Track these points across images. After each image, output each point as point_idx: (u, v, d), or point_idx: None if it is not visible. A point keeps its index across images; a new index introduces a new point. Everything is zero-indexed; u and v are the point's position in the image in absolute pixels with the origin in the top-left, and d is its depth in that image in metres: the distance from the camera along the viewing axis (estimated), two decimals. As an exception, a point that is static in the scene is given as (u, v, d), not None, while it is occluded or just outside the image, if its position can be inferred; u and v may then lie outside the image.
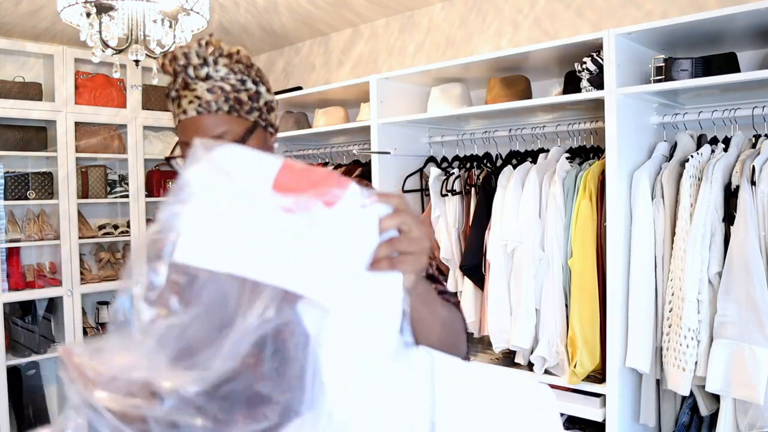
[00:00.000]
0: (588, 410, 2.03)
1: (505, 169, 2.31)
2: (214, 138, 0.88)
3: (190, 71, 0.92)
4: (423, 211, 2.69)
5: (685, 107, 2.14)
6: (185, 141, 0.91)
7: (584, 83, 2.08)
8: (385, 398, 0.67)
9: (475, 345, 2.50)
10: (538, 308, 2.13)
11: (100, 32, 2.05)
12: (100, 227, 3.62)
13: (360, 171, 2.93)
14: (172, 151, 0.96)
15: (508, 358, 2.29)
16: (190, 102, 0.91)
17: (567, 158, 2.21)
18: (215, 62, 0.92)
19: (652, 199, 1.94)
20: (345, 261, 0.63)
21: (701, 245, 1.79)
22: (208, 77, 0.92)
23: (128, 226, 3.65)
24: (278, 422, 0.65)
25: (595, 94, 2.01)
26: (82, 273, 3.45)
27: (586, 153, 2.31)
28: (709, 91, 2.05)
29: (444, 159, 2.73)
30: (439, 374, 0.72)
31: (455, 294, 1.06)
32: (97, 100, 3.50)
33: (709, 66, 1.87)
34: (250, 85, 0.95)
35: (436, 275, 1.02)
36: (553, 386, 2.13)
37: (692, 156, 1.89)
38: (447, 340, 0.88)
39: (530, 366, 2.17)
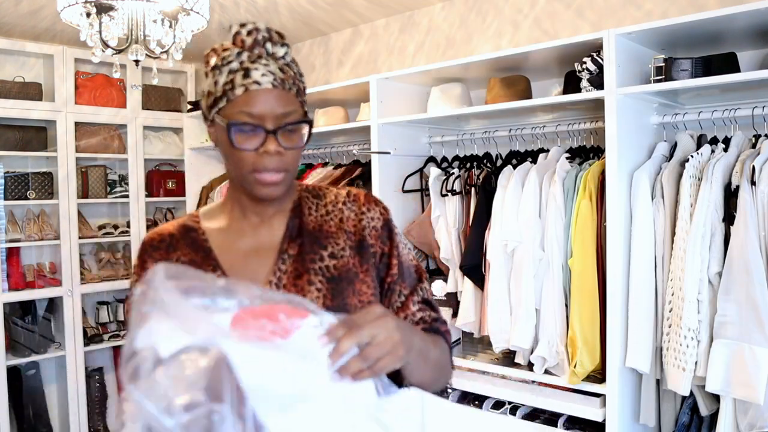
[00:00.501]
0: (588, 410, 2.03)
1: (505, 169, 2.31)
2: (283, 114, 0.92)
3: (269, 46, 0.93)
4: (423, 211, 2.69)
5: (685, 107, 2.14)
6: (251, 111, 0.91)
7: (584, 83, 2.08)
8: None
9: (475, 345, 2.50)
10: (538, 308, 2.13)
11: (100, 32, 2.05)
12: (100, 227, 3.62)
13: (360, 171, 2.94)
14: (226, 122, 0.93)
15: (508, 358, 2.29)
16: (264, 75, 0.91)
17: (567, 158, 2.21)
18: (288, 45, 0.96)
19: (652, 199, 1.94)
20: (308, 375, 0.72)
21: (701, 245, 1.79)
22: (281, 58, 0.94)
23: (128, 226, 3.65)
24: None
25: (595, 94, 2.01)
26: (82, 273, 3.45)
27: (586, 153, 2.31)
28: (709, 91, 2.05)
29: (444, 159, 2.73)
30: (429, 416, 0.83)
31: (444, 321, 1.10)
32: (97, 100, 3.50)
33: (709, 66, 1.87)
34: (303, 80, 0.99)
35: (429, 300, 1.08)
36: (553, 386, 2.13)
37: (692, 156, 1.89)
38: (437, 376, 1.00)
39: (530, 366, 2.17)
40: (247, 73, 0.91)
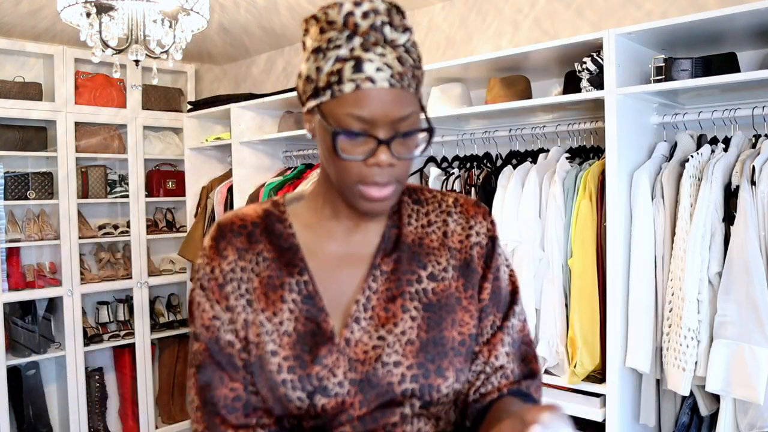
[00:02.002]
0: (588, 410, 2.03)
1: (505, 169, 2.31)
2: (400, 119, 0.76)
3: (388, 31, 0.76)
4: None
5: (685, 107, 2.14)
6: (360, 115, 0.75)
7: (584, 83, 2.08)
8: None
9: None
10: (538, 308, 2.13)
11: (100, 32, 2.05)
12: (100, 227, 3.62)
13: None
14: (330, 124, 0.78)
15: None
16: (380, 69, 0.74)
17: (567, 158, 2.21)
18: (409, 29, 0.78)
19: (652, 199, 1.94)
20: None
21: (701, 245, 1.79)
22: (400, 45, 0.77)
23: (128, 226, 3.65)
24: None
25: (595, 94, 2.01)
26: (82, 273, 3.45)
27: (586, 153, 2.31)
28: (709, 91, 2.05)
29: (444, 159, 2.73)
30: None
31: (537, 370, 0.93)
32: (97, 100, 3.50)
33: (709, 66, 1.87)
34: (422, 64, 0.81)
35: (521, 341, 0.92)
36: (553, 386, 2.13)
37: (692, 156, 1.89)
38: None
39: (530, 366, 2.16)
40: (358, 66, 0.74)
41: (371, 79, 0.74)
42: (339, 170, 0.79)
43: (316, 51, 0.77)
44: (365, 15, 0.75)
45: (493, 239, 0.92)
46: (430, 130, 0.79)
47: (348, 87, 0.75)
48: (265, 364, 0.82)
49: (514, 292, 0.93)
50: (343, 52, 0.75)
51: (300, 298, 0.85)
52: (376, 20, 0.75)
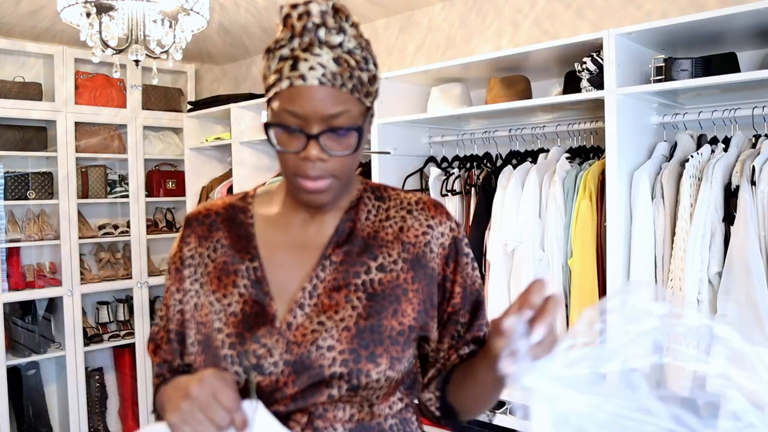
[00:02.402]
0: (588, 410, 2.03)
1: (505, 169, 2.31)
2: (329, 116, 0.80)
3: (322, 33, 0.80)
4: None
5: (685, 107, 2.14)
6: (293, 110, 0.80)
7: (584, 83, 2.08)
8: None
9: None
10: (538, 308, 2.12)
11: (100, 32, 2.05)
12: (100, 227, 3.62)
13: (360, 171, 2.94)
14: (268, 118, 0.85)
15: (508, 358, 2.29)
16: (312, 68, 0.79)
17: (567, 158, 2.21)
18: (345, 31, 0.81)
19: (652, 199, 1.94)
20: None
21: (701, 245, 1.79)
22: (338, 46, 0.80)
23: (128, 226, 3.65)
24: None
25: (595, 94, 2.01)
26: (82, 273, 3.45)
27: (586, 153, 2.31)
28: (709, 91, 2.05)
29: (444, 159, 2.73)
30: None
31: None
32: (97, 100, 3.50)
33: (709, 66, 1.87)
34: (371, 65, 0.84)
35: (483, 338, 0.97)
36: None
37: (692, 156, 1.89)
38: (489, 401, 0.93)
39: (530, 366, 2.16)
40: (294, 64, 0.79)
41: (303, 77, 0.79)
42: (281, 162, 0.86)
43: (268, 51, 0.84)
44: (299, 17, 0.80)
45: (456, 240, 0.94)
46: (358, 129, 0.82)
47: (284, 84, 0.80)
48: (211, 341, 0.89)
49: (481, 294, 0.97)
50: (285, 51, 0.81)
51: (249, 282, 0.91)
52: (308, 22, 0.80)
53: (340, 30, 0.81)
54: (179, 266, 0.96)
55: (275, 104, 0.82)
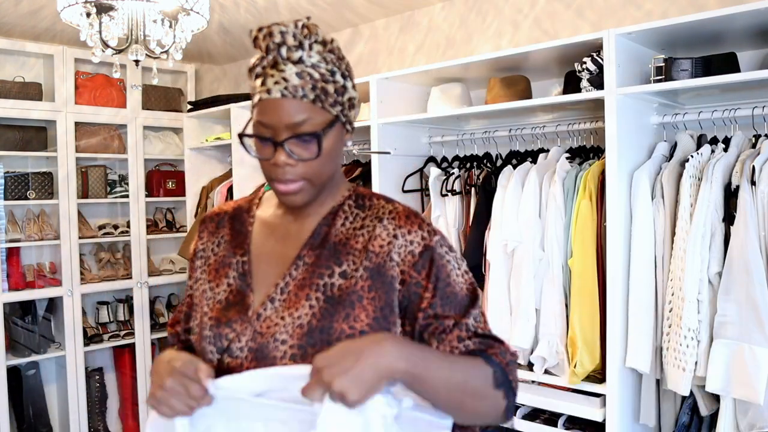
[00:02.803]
0: (588, 410, 2.03)
1: (505, 169, 2.31)
2: (294, 124, 0.89)
3: (283, 51, 0.89)
4: (423, 211, 2.69)
5: (685, 107, 2.14)
6: (262, 121, 0.90)
7: (584, 83, 2.08)
8: None
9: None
10: (538, 308, 2.13)
11: (100, 32, 2.05)
12: (100, 227, 3.62)
13: (360, 171, 2.94)
14: (245, 128, 0.94)
15: (508, 358, 2.29)
16: (276, 83, 0.88)
17: (567, 158, 2.21)
18: (310, 47, 0.90)
19: (652, 199, 1.94)
20: None
21: (701, 245, 1.79)
22: (299, 61, 0.89)
23: (128, 226, 3.65)
24: None
25: (595, 94, 2.01)
26: (82, 273, 3.45)
27: (586, 153, 2.31)
28: (709, 91, 2.05)
29: (444, 159, 2.73)
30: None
31: (497, 344, 0.96)
32: (97, 100, 3.50)
33: (709, 66, 1.87)
34: (338, 77, 0.92)
35: (481, 331, 0.96)
36: (553, 386, 2.13)
37: (692, 156, 1.89)
38: (463, 402, 0.89)
39: (530, 366, 2.17)
40: (263, 81, 0.90)
41: (269, 91, 0.89)
42: (261, 168, 0.95)
43: (249, 71, 0.94)
44: (264, 38, 0.90)
45: (428, 248, 0.96)
46: (317, 136, 0.90)
47: (256, 98, 0.92)
48: (200, 322, 1.03)
49: (471, 299, 0.97)
50: (258, 70, 0.92)
51: (237, 274, 1.02)
52: (270, 42, 0.89)
53: (300, 46, 0.89)
54: (194, 258, 1.10)
55: (253, 117, 0.93)
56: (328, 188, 1.00)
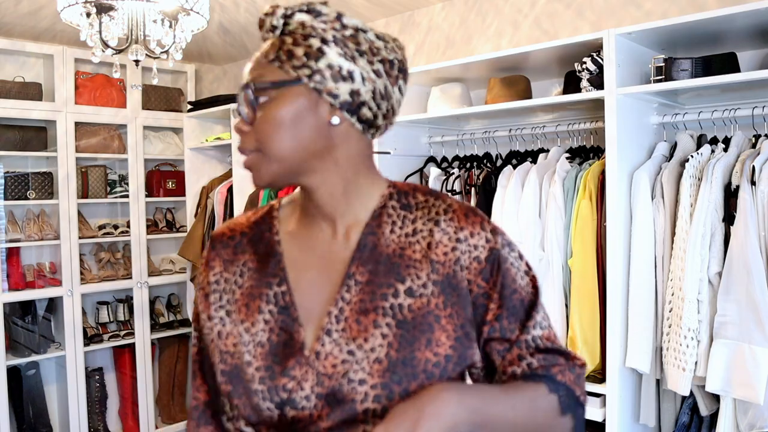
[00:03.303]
0: (588, 410, 2.01)
1: (505, 169, 2.32)
2: (245, 84, 0.83)
3: (268, 22, 0.84)
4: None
5: (685, 107, 2.14)
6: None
7: (584, 83, 2.08)
8: None
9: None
10: (538, 308, 2.12)
11: (100, 32, 2.05)
12: (100, 227, 3.62)
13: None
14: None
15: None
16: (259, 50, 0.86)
17: (567, 158, 2.21)
18: (293, 15, 0.82)
19: (652, 199, 1.94)
20: None
21: (701, 245, 1.79)
22: (274, 28, 0.83)
23: (128, 226, 3.65)
24: None
25: (595, 94, 2.01)
26: (82, 273, 3.45)
27: (586, 153, 2.31)
28: (709, 91, 2.05)
29: (444, 159, 2.73)
30: None
31: (561, 356, 0.86)
32: (97, 100, 3.50)
33: (709, 66, 1.87)
34: (314, 41, 0.80)
35: (542, 345, 0.86)
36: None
37: (692, 156, 1.89)
38: None
39: (530, 366, 2.16)
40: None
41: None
42: None
43: None
44: (261, 20, 0.85)
45: (493, 251, 0.84)
46: (251, 88, 0.81)
47: None
48: (241, 373, 0.84)
49: (533, 302, 0.87)
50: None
51: (276, 309, 0.86)
52: (264, 20, 0.84)
53: (283, 16, 0.82)
54: (207, 291, 0.92)
55: None
56: (358, 186, 0.87)
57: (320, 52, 0.80)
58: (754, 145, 1.91)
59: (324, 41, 0.80)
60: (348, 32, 0.82)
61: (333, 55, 0.80)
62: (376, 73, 0.82)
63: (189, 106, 3.74)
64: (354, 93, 0.81)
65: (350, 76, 0.80)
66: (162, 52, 2.20)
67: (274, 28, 0.83)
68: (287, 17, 0.82)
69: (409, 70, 0.88)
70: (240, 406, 0.85)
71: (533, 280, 0.88)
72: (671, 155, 2.03)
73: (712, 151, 1.94)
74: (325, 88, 0.80)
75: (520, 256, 0.89)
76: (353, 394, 0.79)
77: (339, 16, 0.82)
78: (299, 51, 0.80)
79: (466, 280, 0.83)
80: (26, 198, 3.28)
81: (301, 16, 0.81)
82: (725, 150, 1.91)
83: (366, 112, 0.83)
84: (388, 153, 2.60)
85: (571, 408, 0.83)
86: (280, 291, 0.86)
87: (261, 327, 0.85)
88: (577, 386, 0.84)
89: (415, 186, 0.92)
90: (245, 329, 0.86)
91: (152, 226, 3.83)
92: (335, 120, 0.82)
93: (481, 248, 0.84)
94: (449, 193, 2.45)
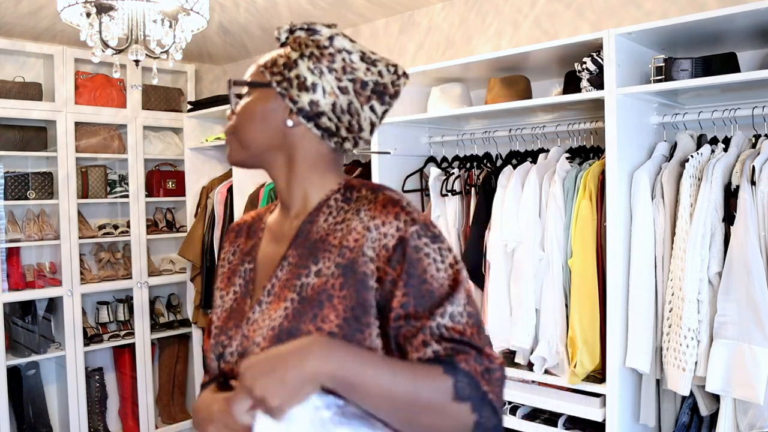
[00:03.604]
0: (588, 410, 2.03)
1: (505, 169, 2.31)
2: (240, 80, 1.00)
3: (276, 33, 1.01)
4: (423, 211, 2.69)
5: (685, 107, 2.14)
6: None
7: (584, 83, 2.08)
8: None
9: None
10: (538, 308, 2.13)
11: (100, 32, 2.05)
12: (100, 227, 3.62)
13: (360, 171, 2.93)
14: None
15: (508, 358, 2.29)
16: None
17: (567, 158, 2.21)
18: (295, 32, 0.98)
19: (652, 199, 1.94)
20: None
21: (701, 245, 1.79)
22: (280, 41, 1.01)
23: (128, 226, 3.65)
24: None
25: (595, 94, 2.01)
26: (82, 273, 3.45)
27: (586, 153, 2.31)
28: (709, 91, 2.05)
29: (444, 159, 2.73)
30: None
31: (470, 350, 0.84)
32: (97, 100, 3.50)
33: (709, 66, 1.87)
34: (292, 54, 0.95)
35: (449, 336, 0.84)
36: (553, 386, 2.13)
37: (692, 156, 1.89)
38: (405, 415, 0.80)
39: (530, 366, 2.17)
40: None
41: None
42: None
43: None
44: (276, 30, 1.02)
45: (403, 240, 0.86)
46: (234, 84, 0.98)
47: None
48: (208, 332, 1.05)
49: (448, 294, 0.86)
50: None
51: (243, 282, 1.03)
52: (276, 33, 1.01)
53: (288, 31, 0.98)
54: (217, 267, 1.14)
55: None
56: (311, 182, 0.98)
57: (294, 64, 0.94)
58: (754, 145, 1.91)
59: (302, 55, 0.94)
60: (329, 51, 0.93)
61: (303, 67, 0.93)
62: (342, 89, 0.93)
63: (189, 106, 3.74)
64: (313, 103, 0.93)
65: (312, 88, 0.93)
66: (162, 52, 2.20)
67: (278, 39, 1.00)
68: (291, 32, 0.98)
69: (396, 94, 0.99)
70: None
71: (456, 274, 0.88)
72: (671, 155, 2.03)
73: (712, 151, 1.94)
74: (288, 94, 0.94)
75: (447, 249, 0.90)
76: (251, 354, 0.91)
77: (331, 37, 0.94)
78: (280, 60, 0.95)
79: (372, 268, 0.88)
80: (26, 198, 3.28)
81: (299, 33, 0.96)
82: (725, 150, 1.91)
83: (325, 121, 0.94)
84: (388, 153, 2.60)
85: (471, 398, 0.80)
86: (249, 268, 1.04)
87: (231, 296, 1.04)
88: (484, 380, 0.82)
89: (370, 184, 0.99)
90: (220, 296, 1.06)
91: (152, 226, 3.83)
92: (290, 122, 0.95)
93: (390, 236, 0.88)
94: (449, 193, 2.45)
